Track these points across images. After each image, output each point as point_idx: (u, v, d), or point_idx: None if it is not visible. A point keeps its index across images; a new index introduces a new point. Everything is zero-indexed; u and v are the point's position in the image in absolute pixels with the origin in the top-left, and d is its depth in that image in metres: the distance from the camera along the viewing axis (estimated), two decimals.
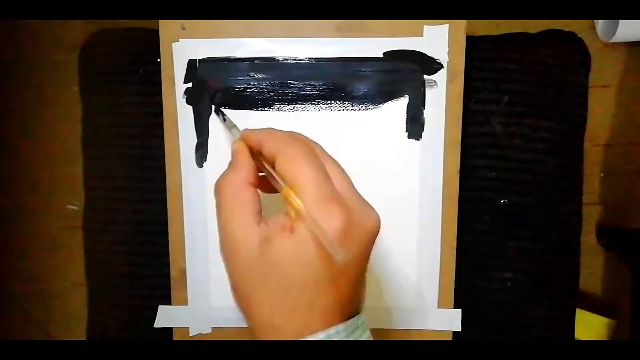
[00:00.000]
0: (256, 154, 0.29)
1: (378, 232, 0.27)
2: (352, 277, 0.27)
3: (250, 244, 0.26)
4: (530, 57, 0.44)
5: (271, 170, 0.28)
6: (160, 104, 0.39)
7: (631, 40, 0.91)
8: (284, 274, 0.26)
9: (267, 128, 0.30)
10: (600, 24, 0.93)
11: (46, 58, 0.92)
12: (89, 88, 0.45)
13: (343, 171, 0.28)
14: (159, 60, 0.39)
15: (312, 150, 0.28)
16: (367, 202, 0.28)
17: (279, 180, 0.27)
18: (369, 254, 0.28)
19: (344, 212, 0.25)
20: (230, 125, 0.35)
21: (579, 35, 0.46)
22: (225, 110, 0.40)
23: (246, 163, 0.29)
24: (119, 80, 0.43)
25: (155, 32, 0.39)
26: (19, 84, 0.93)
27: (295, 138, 0.28)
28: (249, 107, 0.40)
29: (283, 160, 0.27)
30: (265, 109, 0.40)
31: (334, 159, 0.29)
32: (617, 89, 0.93)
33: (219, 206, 0.28)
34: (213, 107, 0.40)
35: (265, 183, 0.29)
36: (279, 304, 0.26)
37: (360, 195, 0.28)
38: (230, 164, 0.29)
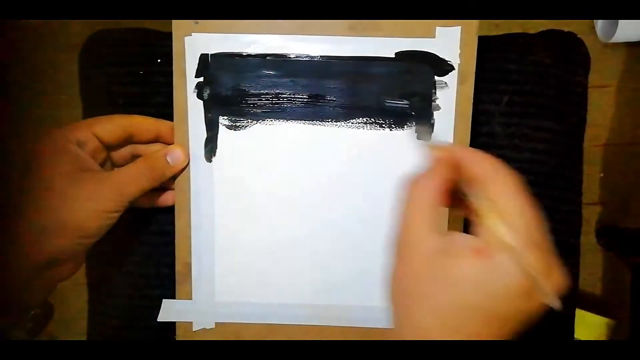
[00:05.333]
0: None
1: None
2: (507, 334, 0.26)
3: (424, 249, 0.26)
4: (529, 57, 0.44)
5: (468, 192, 0.28)
6: (160, 104, 0.39)
7: (631, 41, 0.91)
8: (464, 295, 0.25)
9: (471, 148, 0.30)
10: (599, 24, 0.93)
11: (46, 59, 0.92)
12: (90, 89, 0.45)
13: (541, 217, 0.28)
14: (159, 60, 0.39)
15: (519, 186, 0.27)
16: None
17: (478, 203, 0.27)
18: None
19: (542, 259, 0.25)
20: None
21: (578, 36, 0.46)
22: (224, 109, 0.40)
23: (445, 174, 0.28)
24: (120, 81, 0.43)
25: (156, 33, 0.38)
26: (19, 84, 0.93)
27: (503, 170, 0.28)
28: (260, 103, 0.40)
29: (496, 187, 0.27)
30: (276, 104, 0.40)
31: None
32: (617, 89, 0.93)
33: (407, 205, 0.28)
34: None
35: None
36: (444, 321, 0.25)
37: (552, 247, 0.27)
38: (429, 170, 0.29)
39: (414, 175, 0.29)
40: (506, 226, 0.25)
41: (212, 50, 0.39)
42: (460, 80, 0.39)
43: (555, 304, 0.24)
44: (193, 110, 0.39)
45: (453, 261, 0.25)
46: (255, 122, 0.40)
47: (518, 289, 0.25)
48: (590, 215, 0.93)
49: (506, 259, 0.25)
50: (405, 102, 0.40)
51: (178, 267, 0.41)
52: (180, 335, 0.42)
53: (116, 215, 0.35)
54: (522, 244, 0.25)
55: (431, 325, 0.26)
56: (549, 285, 0.25)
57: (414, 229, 0.27)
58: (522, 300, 0.25)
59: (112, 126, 0.37)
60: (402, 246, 0.28)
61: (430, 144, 0.30)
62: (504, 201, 0.26)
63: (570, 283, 0.46)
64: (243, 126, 0.40)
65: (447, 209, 0.29)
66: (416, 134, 0.40)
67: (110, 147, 0.38)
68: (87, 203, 0.33)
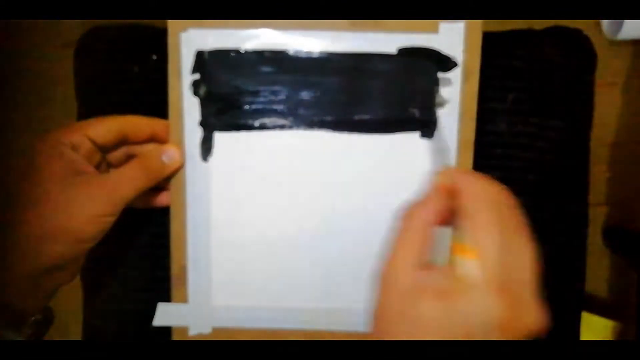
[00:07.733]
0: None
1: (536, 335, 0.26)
2: None
3: (400, 284, 0.26)
4: (535, 54, 0.43)
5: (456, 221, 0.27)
6: (155, 101, 0.39)
7: (638, 38, 0.89)
8: (424, 336, 0.25)
9: (471, 174, 0.29)
10: (605, 21, 0.92)
11: (41, 55, 0.92)
12: (85, 86, 0.45)
13: (532, 255, 0.26)
14: (154, 57, 0.39)
15: (509, 220, 0.27)
16: (538, 299, 0.26)
17: (455, 234, 0.27)
18: None
19: (506, 304, 0.24)
20: (441, 148, 0.36)
21: (584, 32, 0.45)
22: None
23: (440, 203, 0.28)
24: (114, 78, 0.43)
25: (151, 28, 0.38)
26: (15, 82, 0.92)
27: (496, 201, 0.27)
28: (257, 100, 0.39)
29: (472, 224, 0.26)
30: (274, 101, 0.39)
31: (528, 237, 0.27)
32: (624, 87, 0.92)
33: (397, 234, 0.28)
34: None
35: None
36: None
37: (534, 288, 0.26)
38: (425, 196, 0.29)
39: (409, 203, 0.28)
40: (474, 264, 0.25)
41: (208, 46, 0.38)
42: (465, 77, 0.38)
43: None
44: (189, 107, 0.38)
45: (418, 301, 0.25)
46: (253, 119, 0.39)
47: (479, 334, 0.24)
48: (597, 216, 0.92)
49: (467, 302, 0.24)
50: (408, 99, 0.39)
51: (174, 269, 0.40)
52: None
53: (113, 219, 0.35)
54: (486, 284, 0.24)
55: None
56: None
57: (396, 260, 0.27)
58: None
59: (105, 128, 0.36)
60: (383, 277, 0.28)
61: (438, 171, 0.30)
62: (482, 236, 0.25)
63: (577, 286, 0.45)
64: (240, 124, 0.39)
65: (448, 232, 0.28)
66: (419, 132, 0.39)
67: (104, 149, 0.37)
68: (83, 207, 0.33)
